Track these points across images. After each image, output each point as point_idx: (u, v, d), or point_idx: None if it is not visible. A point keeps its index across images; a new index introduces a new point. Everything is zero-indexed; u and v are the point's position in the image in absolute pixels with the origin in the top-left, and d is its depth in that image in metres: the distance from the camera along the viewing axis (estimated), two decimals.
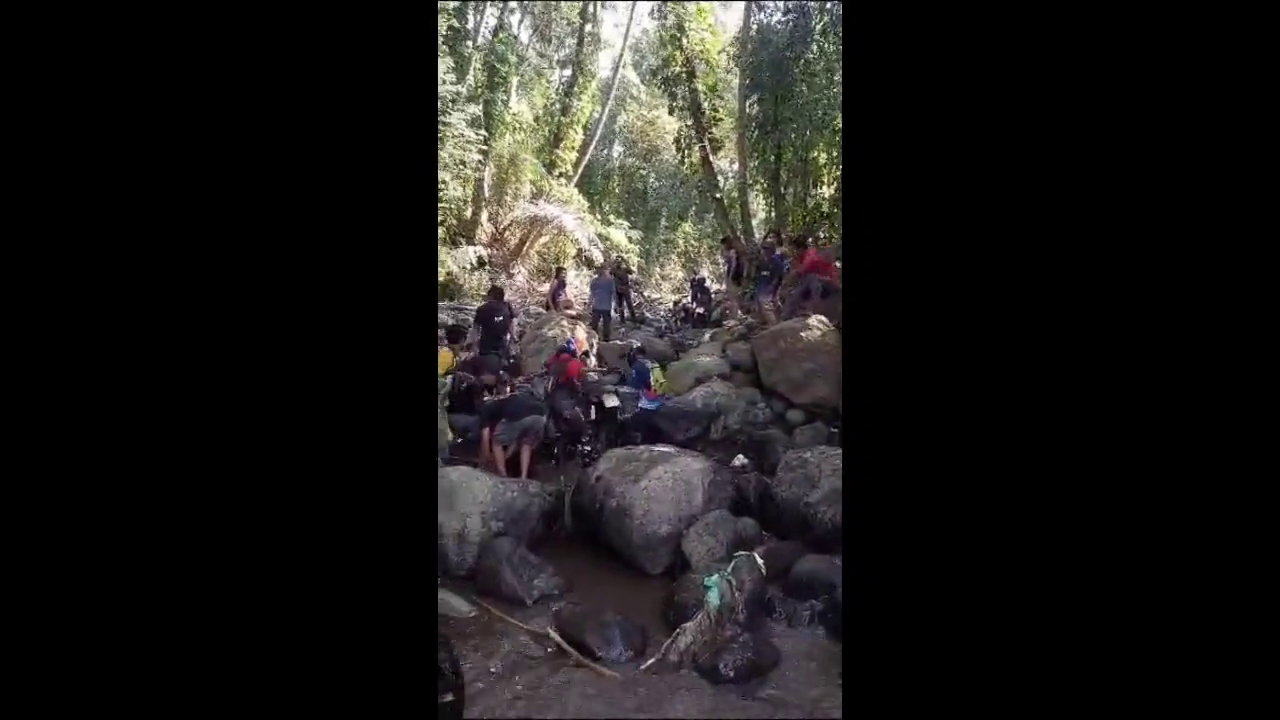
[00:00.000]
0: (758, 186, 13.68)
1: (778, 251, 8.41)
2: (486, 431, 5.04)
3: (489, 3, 14.77)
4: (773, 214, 13.06)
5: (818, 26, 10.09)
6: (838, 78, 10.31)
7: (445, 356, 5.54)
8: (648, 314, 13.48)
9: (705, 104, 12.94)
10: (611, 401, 5.23)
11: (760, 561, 3.63)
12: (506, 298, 8.74)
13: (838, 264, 6.99)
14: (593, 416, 5.26)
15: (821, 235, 11.39)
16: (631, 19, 16.33)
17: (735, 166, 14.68)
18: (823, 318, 6.49)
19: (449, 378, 5.23)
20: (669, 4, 12.43)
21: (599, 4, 16.59)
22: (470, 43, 14.43)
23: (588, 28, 16.88)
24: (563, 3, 16.86)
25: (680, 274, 21.40)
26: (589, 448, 5.18)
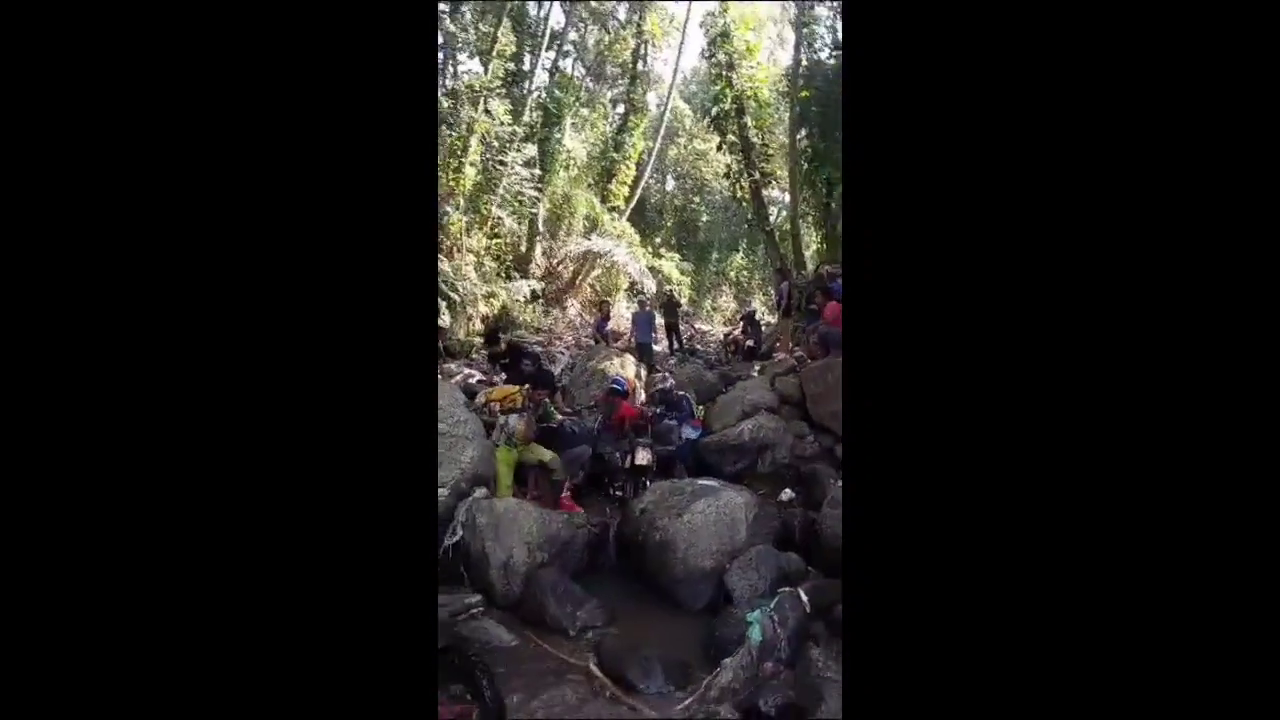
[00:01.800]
0: (809, 218, 13.65)
1: (837, 282, 8.37)
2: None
3: (543, 51, 15.43)
4: (824, 246, 12.98)
5: None
6: None
7: (506, 391, 5.49)
8: (698, 346, 13.50)
9: (755, 139, 13.08)
10: (643, 459, 5.25)
11: (805, 598, 3.58)
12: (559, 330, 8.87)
13: None
14: (625, 465, 5.29)
15: None
16: (680, 55, 16.72)
17: (786, 198, 14.72)
18: None
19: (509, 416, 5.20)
20: (718, 43, 12.70)
21: (649, 44, 17.08)
22: (527, 83, 15.09)
23: (639, 66, 17.40)
24: (615, 45, 17.46)
25: (732, 306, 21.36)
26: (620, 493, 5.22)
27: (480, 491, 4.34)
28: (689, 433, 6.08)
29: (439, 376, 6.68)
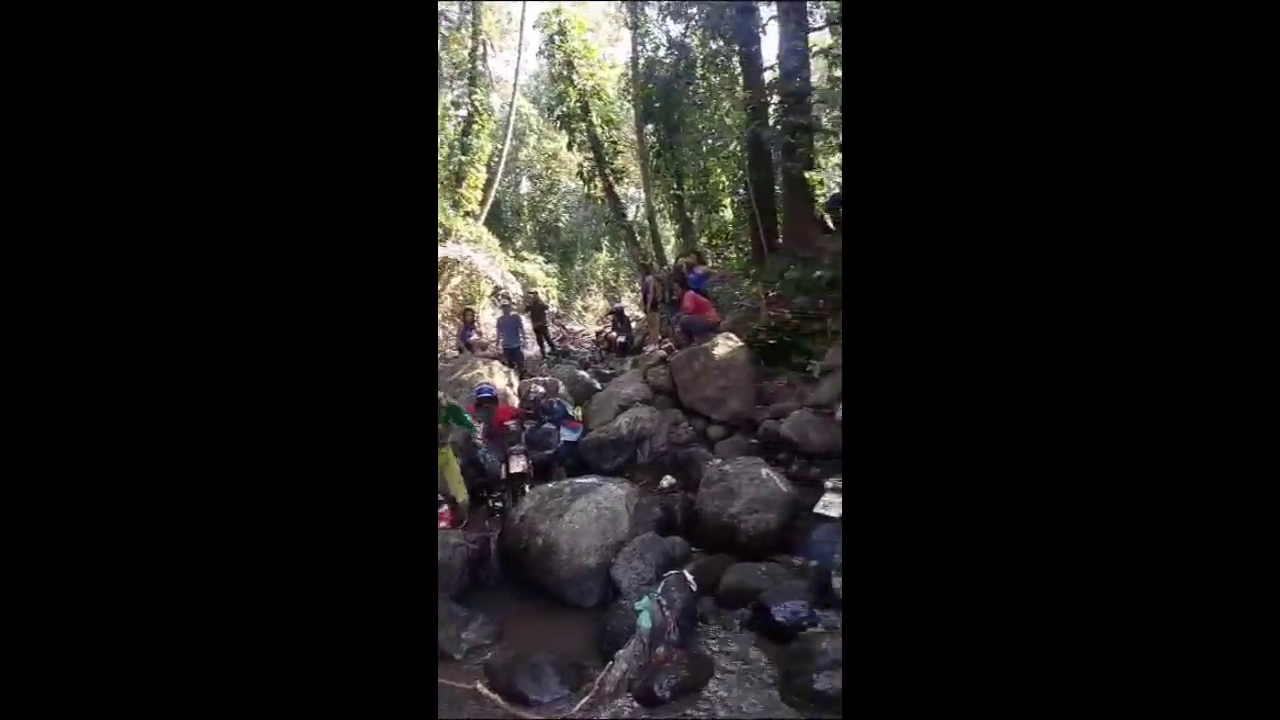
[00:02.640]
0: (664, 212, 14.05)
1: (697, 270, 8.66)
2: None
3: None
4: (682, 239, 13.42)
5: (699, 59, 10.57)
6: (725, 105, 10.82)
7: None
8: (571, 347, 13.47)
9: (603, 136, 13.23)
10: (518, 467, 5.17)
11: (690, 578, 3.68)
12: None
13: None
14: (502, 475, 5.18)
15: (729, 256, 11.82)
16: (520, 55, 16.52)
17: (641, 194, 15.04)
18: (731, 335, 6.71)
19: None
20: (556, 42, 12.70)
21: (487, 45, 16.70)
22: None
23: (478, 66, 16.97)
24: (452, 46, 16.91)
25: (602, 304, 21.52)
26: (500, 504, 5.11)
27: None
28: (567, 435, 6.05)
29: None
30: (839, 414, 4.43)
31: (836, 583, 3.52)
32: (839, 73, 9.07)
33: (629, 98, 13.30)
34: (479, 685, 3.03)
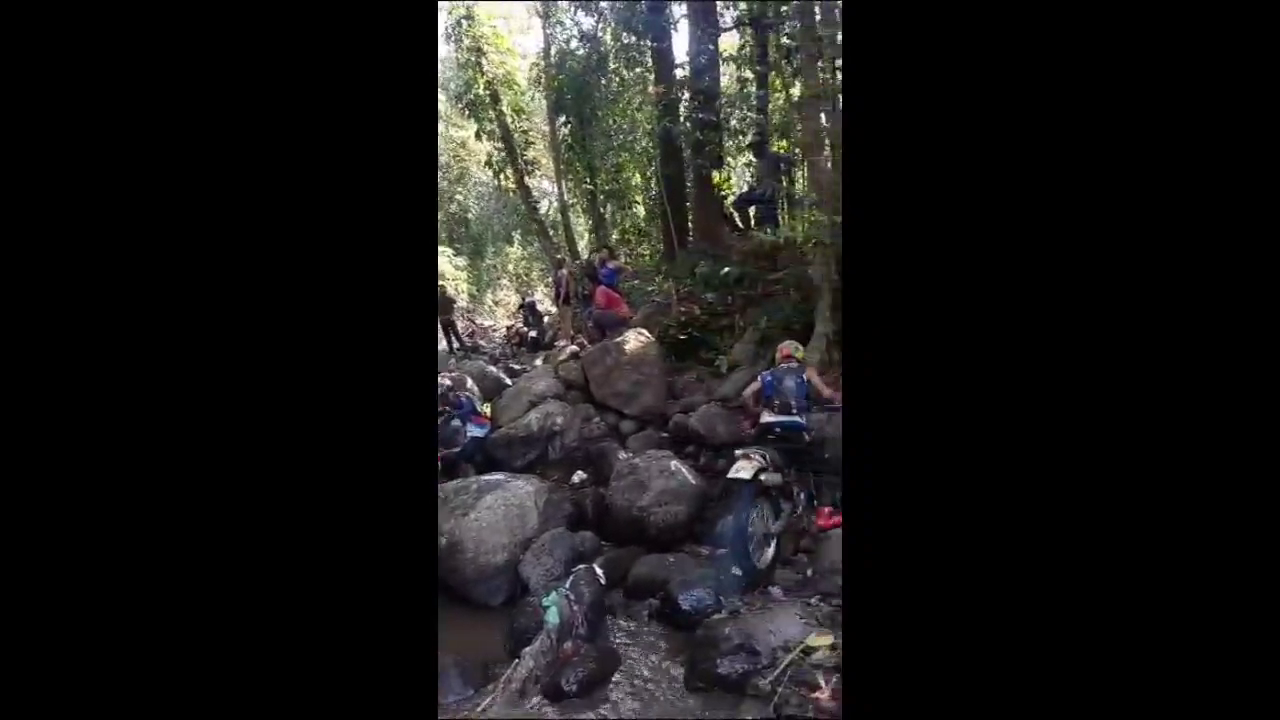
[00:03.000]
0: (577, 206, 13.97)
1: (609, 265, 8.67)
2: None
3: None
4: (595, 234, 13.39)
5: (611, 53, 10.56)
6: (636, 100, 10.88)
7: None
8: (481, 342, 13.14)
9: (514, 126, 12.96)
10: None
11: (599, 572, 3.70)
12: None
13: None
14: None
15: (642, 252, 11.91)
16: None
17: (554, 187, 14.88)
18: (643, 330, 6.77)
19: None
20: (463, 26, 12.30)
21: None
22: None
23: None
24: None
25: (514, 298, 21.13)
26: None
27: None
28: (474, 430, 5.90)
29: None
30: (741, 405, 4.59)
31: (756, 555, 3.69)
32: (749, 74, 9.34)
33: (540, 88, 13.09)
34: None
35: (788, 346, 4.44)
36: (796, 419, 4.01)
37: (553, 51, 12.29)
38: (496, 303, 20.71)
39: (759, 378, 4.33)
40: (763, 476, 3.71)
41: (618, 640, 3.33)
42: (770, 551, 3.80)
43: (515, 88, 13.15)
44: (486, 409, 6.61)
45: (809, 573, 3.70)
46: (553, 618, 3.22)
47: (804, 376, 4.16)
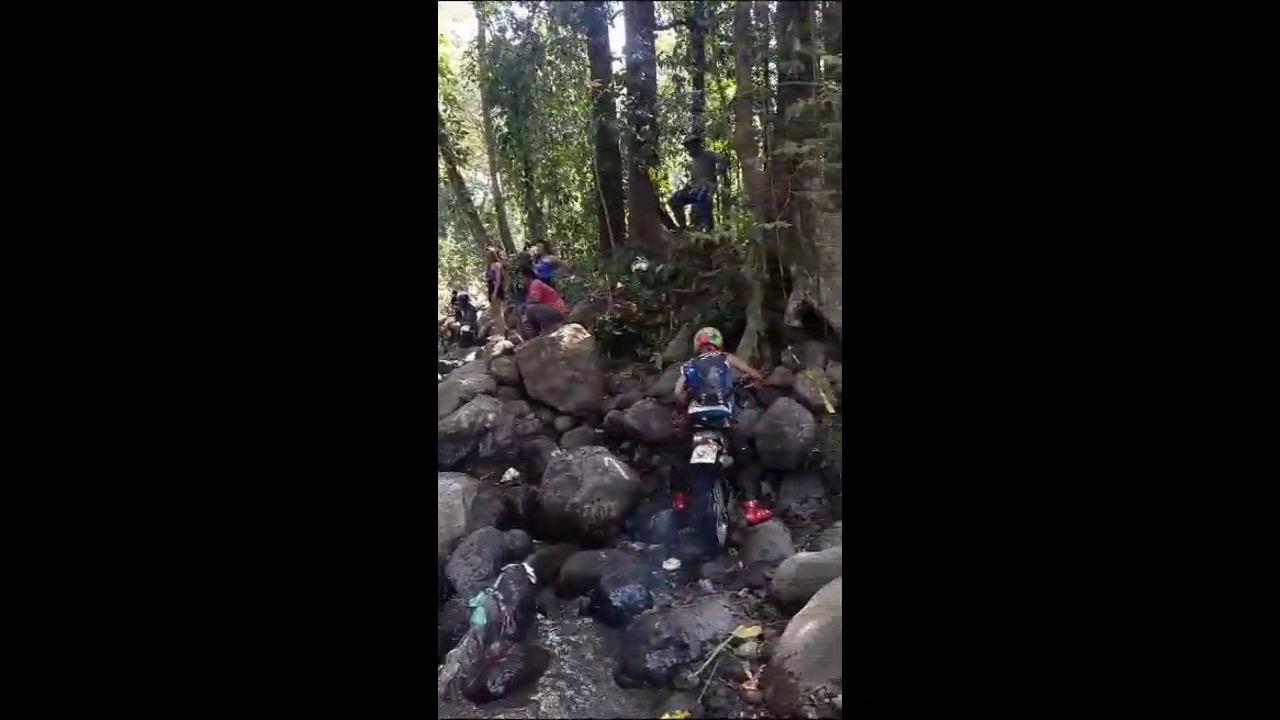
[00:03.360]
0: (512, 200, 13.72)
1: (545, 260, 8.54)
2: None
3: None
4: (530, 228, 13.20)
5: (547, 46, 10.41)
6: (572, 94, 10.77)
7: None
8: None
9: (446, 116, 12.60)
10: None
11: (529, 570, 3.65)
12: None
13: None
14: None
15: (578, 248, 11.82)
16: None
17: (488, 179, 14.57)
18: (578, 326, 6.72)
19: None
20: None
21: None
22: None
23: None
24: None
25: (445, 293, 20.60)
26: None
27: None
28: None
29: None
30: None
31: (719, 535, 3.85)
32: (684, 74, 9.41)
33: (474, 77, 12.77)
34: None
35: (705, 334, 4.51)
36: (721, 408, 4.07)
37: (487, 41, 12.01)
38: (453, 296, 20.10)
39: (682, 369, 4.36)
40: (721, 459, 3.87)
41: (548, 639, 3.29)
42: (723, 530, 3.93)
43: (448, 75, 12.79)
44: None
45: (740, 565, 3.77)
46: (479, 619, 3.15)
47: (726, 364, 4.23)
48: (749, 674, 2.68)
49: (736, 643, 2.88)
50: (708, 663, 2.79)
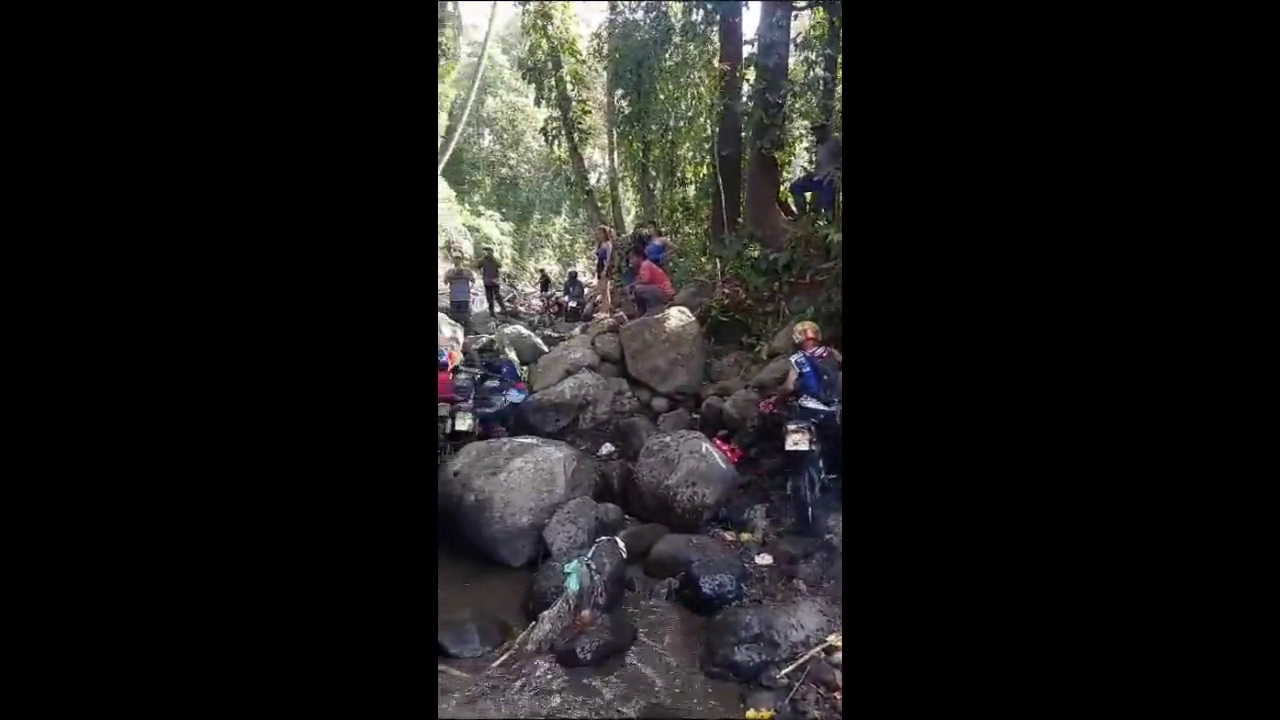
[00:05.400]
0: (627, 180, 13.82)
1: (656, 241, 8.56)
2: None
3: None
4: (643, 208, 13.27)
5: (678, 27, 10.32)
6: (699, 76, 10.64)
7: None
8: (520, 308, 13.23)
9: (572, 94, 12.86)
10: (463, 424, 5.04)
11: (621, 545, 3.68)
12: None
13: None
14: (447, 431, 5.03)
15: (689, 231, 11.75)
16: (494, 4, 15.87)
17: (606, 160, 14.77)
18: (684, 309, 6.68)
19: None
20: None
21: None
22: None
23: (449, 7, 16.23)
24: None
25: (555, 268, 21.22)
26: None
27: None
28: (513, 396, 5.94)
29: None
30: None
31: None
32: (816, 57, 9.04)
33: (601, 59, 12.92)
34: None
35: (809, 328, 4.32)
36: (835, 410, 3.92)
37: (618, 21, 12.09)
38: (538, 270, 20.85)
39: (794, 364, 4.20)
40: (814, 447, 3.90)
41: (633, 615, 3.31)
42: (812, 514, 3.93)
43: (576, 55, 13.03)
44: (525, 373, 6.65)
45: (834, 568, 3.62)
46: (573, 584, 3.22)
47: (837, 363, 4.07)
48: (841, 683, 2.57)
49: (831, 650, 2.77)
50: (798, 664, 2.71)
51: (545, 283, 14.00)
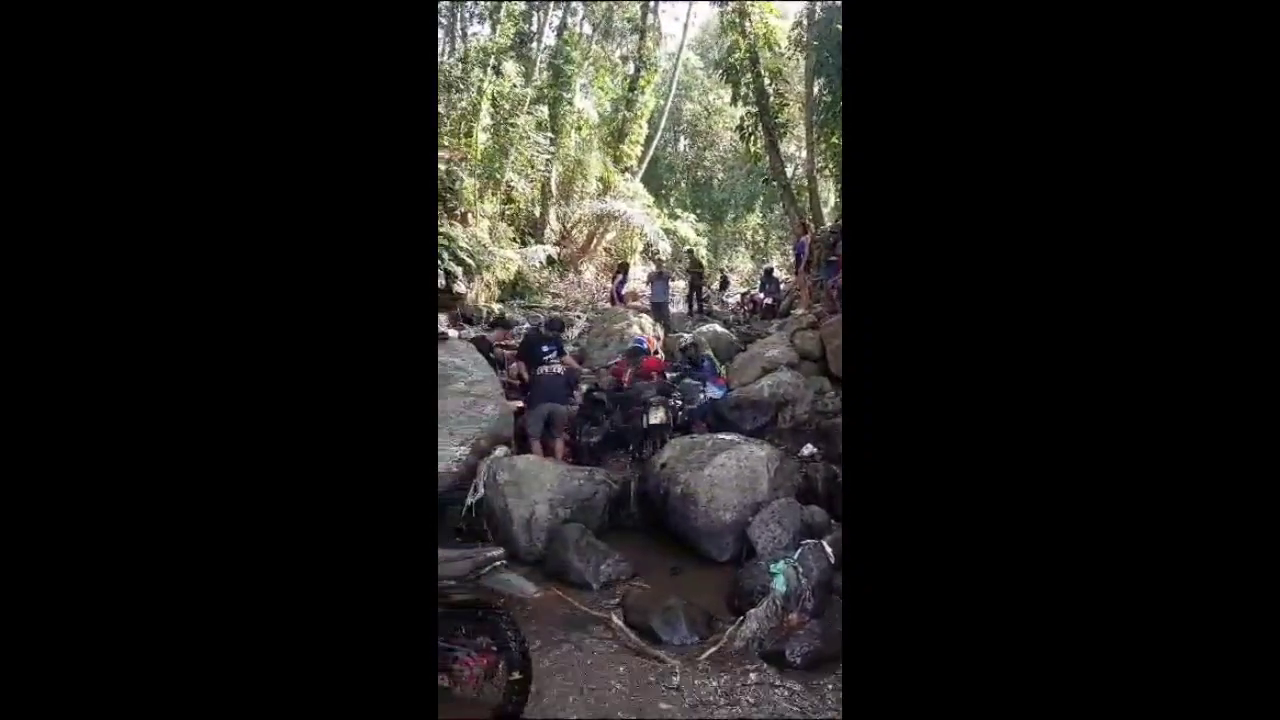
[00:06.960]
0: (826, 171, 13.29)
1: None
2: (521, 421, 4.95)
3: (552, 3, 15.02)
4: (842, 200, 12.65)
5: None
6: None
7: None
8: (715, 306, 13.38)
9: (770, 89, 12.67)
10: (656, 418, 5.17)
11: (829, 550, 3.55)
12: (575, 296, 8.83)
13: None
14: (644, 424, 5.23)
15: None
16: (691, 6, 16.19)
17: (803, 153, 14.35)
18: None
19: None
20: None
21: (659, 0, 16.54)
22: (535, 44, 14.75)
23: (649, 19, 16.90)
24: (624, 1, 16.92)
25: (749, 266, 21.08)
26: (638, 455, 5.19)
27: (501, 450, 4.34)
28: (714, 391, 6.04)
29: (458, 336, 6.68)
30: None
31: None
32: None
33: (800, 49, 12.55)
34: (614, 617, 3.16)
35: None
36: None
37: (818, 10, 11.67)
38: (731, 269, 20.90)
39: None
40: None
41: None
42: None
43: (774, 48, 12.82)
44: (724, 370, 6.72)
45: None
46: (780, 585, 3.17)
47: None
48: None
49: None
50: None
51: (724, 283, 14.00)
